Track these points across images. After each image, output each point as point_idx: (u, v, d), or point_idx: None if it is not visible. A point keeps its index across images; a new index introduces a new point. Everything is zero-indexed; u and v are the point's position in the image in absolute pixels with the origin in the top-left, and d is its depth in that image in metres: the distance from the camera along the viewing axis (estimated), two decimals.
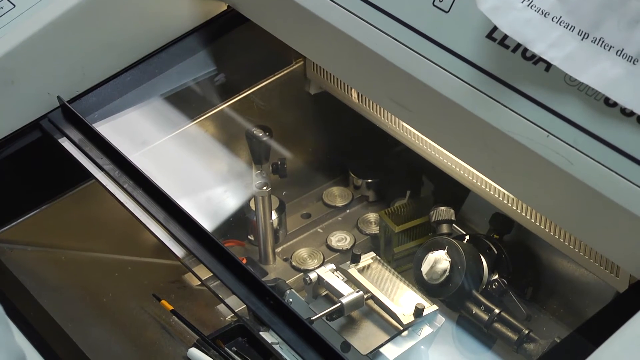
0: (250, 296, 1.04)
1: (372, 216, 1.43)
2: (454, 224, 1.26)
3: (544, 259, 1.25)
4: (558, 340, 1.08)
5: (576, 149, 0.95)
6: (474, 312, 1.17)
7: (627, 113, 0.93)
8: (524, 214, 1.15)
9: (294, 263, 1.37)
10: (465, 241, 1.23)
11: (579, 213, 0.98)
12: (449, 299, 1.19)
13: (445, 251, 1.19)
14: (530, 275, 1.25)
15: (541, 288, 1.26)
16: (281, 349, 1.02)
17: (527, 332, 1.13)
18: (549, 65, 0.98)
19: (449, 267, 1.18)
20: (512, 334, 1.14)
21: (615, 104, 0.93)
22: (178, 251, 1.10)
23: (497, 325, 1.16)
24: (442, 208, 1.26)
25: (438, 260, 1.18)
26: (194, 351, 1.17)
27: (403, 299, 1.16)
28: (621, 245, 0.96)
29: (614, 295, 1.07)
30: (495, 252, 1.22)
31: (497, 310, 1.16)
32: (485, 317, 1.16)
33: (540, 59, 0.98)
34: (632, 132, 0.92)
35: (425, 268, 1.19)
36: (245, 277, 1.06)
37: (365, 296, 1.15)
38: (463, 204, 1.35)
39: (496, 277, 1.20)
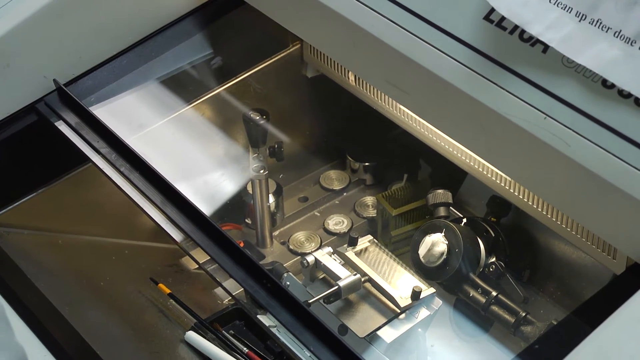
0: (248, 279, 1.04)
1: (369, 199, 1.43)
2: (451, 207, 1.26)
3: (541, 241, 1.25)
4: (555, 323, 1.09)
5: (573, 130, 0.95)
6: (471, 294, 1.17)
7: (624, 95, 0.92)
8: (521, 197, 1.15)
9: (291, 246, 1.37)
10: (462, 224, 1.23)
11: (576, 195, 0.98)
12: (446, 281, 1.19)
13: (443, 234, 1.19)
14: (527, 258, 1.25)
15: (538, 271, 1.26)
16: (278, 332, 1.02)
17: (524, 314, 1.14)
18: (546, 47, 0.97)
19: (446, 250, 1.18)
20: (509, 316, 1.14)
21: (612, 86, 0.93)
22: (175, 235, 1.10)
23: (494, 308, 1.16)
24: (440, 191, 1.26)
25: (435, 243, 1.18)
26: (191, 334, 1.17)
27: (400, 282, 1.16)
28: (618, 228, 0.96)
29: (611, 277, 1.07)
30: (493, 235, 1.22)
31: (494, 293, 1.16)
32: (483, 299, 1.16)
33: (538, 41, 0.97)
34: (630, 114, 0.92)
35: (422, 251, 1.19)
36: (242, 260, 1.06)
37: (362, 279, 1.15)
38: (460, 187, 1.35)
39: (493, 259, 1.20)
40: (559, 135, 0.95)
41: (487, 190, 1.22)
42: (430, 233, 1.20)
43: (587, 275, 1.19)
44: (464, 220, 1.24)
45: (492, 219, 1.25)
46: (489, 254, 1.20)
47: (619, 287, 0.97)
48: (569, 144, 0.95)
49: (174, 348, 1.20)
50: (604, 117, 0.93)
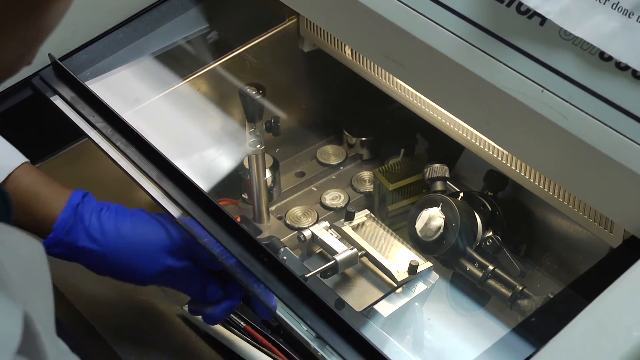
0: (245, 254, 1.04)
1: (366, 174, 1.43)
2: (448, 181, 1.26)
3: (538, 215, 1.25)
4: (552, 296, 1.09)
5: (571, 103, 0.94)
6: (468, 269, 1.17)
7: (622, 67, 0.92)
8: (518, 171, 1.15)
9: (288, 221, 1.37)
10: (459, 198, 1.23)
11: (573, 168, 0.98)
12: (443, 256, 1.19)
13: (440, 208, 1.18)
14: (524, 232, 1.25)
15: (535, 245, 1.26)
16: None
17: (520, 288, 1.14)
18: (543, 20, 0.97)
19: (443, 224, 1.18)
20: (506, 290, 1.14)
21: (610, 58, 0.93)
22: (172, 209, 1.09)
23: (491, 282, 1.16)
24: (437, 165, 1.25)
25: (432, 218, 1.18)
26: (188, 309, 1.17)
27: (397, 256, 1.16)
28: (616, 201, 0.96)
29: (608, 251, 1.07)
30: (490, 209, 1.22)
31: (491, 267, 1.16)
32: (479, 273, 1.16)
33: (535, 13, 0.97)
34: (627, 86, 0.91)
35: (419, 225, 1.19)
36: (239, 235, 1.05)
37: (359, 253, 1.14)
38: (457, 161, 1.34)
39: (490, 234, 1.20)
40: (557, 109, 0.95)
41: (485, 164, 1.22)
42: (427, 207, 1.19)
43: (584, 249, 1.19)
44: (461, 194, 1.24)
45: (489, 193, 1.24)
46: (485, 228, 1.20)
47: (616, 260, 0.97)
48: (566, 117, 0.94)
49: (170, 323, 1.20)
50: (602, 90, 0.93)
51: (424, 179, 1.27)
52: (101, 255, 1.04)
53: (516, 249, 1.23)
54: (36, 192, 1.04)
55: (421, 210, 1.20)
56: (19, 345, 0.53)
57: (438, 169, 1.25)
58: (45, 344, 0.55)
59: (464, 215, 1.18)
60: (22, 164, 1.07)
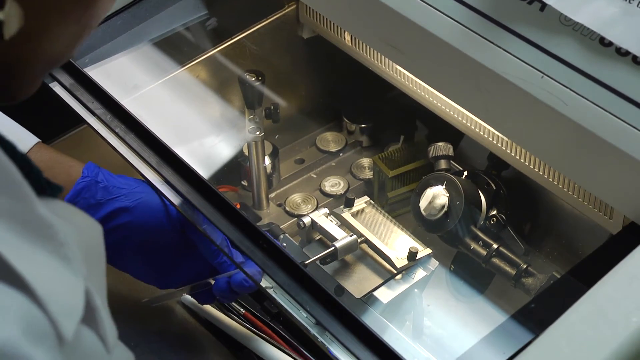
0: (244, 241, 1.04)
1: (365, 161, 1.43)
2: (452, 160, 1.25)
3: (542, 194, 1.24)
4: (557, 275, 1.09)
5: (571, 89, 0.94)
6: (472, 247, 1.17)
7: (622, 53, 0.92)
8: (518, 157, 1.15)
9: (287, 208, 1.37)
10: (463, 177, 1.22)
11: (573, 154, 0.98)
12: (447, 234, 1.18)
13: (444, 186, 1.18)
14: (528, 211, 1.24)
15: (539, 224, 1.25)
16: (275, 292, 1.01)
17: (525, 266, 1.13)
18: (543, 5, 0.97)
19: (447, 202, 1.17)
20: (510, 268, 1.14)
21: (610, 44, 0.92)
22: (172, 196, 1.09)
23: (496, 260, 1.15)
24: (441, 144, 1.24)
25: (436, 196, 1.17)
26: (188, 297, 1.18)
27: (397, 243, 1.16)
28: (615, 187, 0.96)
29: (608, 237, 1.07)
30: (494, 187, 1.21)
31: (495, 245, 1.15)
32: (484, 252, 1.16)
33: None
34: (628, 72, 0.91)
35: (423, 203, 1.18)
36: (239, 221, 1.05)
37: (359, 240, 1.14)
38: (456, 149, 1.34)
39: (494, 212, 1.19)
40: (557, 94, 0.95)
41: (484, 151, 1.22)
42: (431, 185, 1.19)
43: (584, 235, 1.19)
44: (465, 173, 1.23)
45: (493, 172, 1.23)
46: (490, 206, 1.19)
47: (616, 246, 0.97)
48: (566, 102, 0.94)
49: (171, 310, 1.20)
50: (602, 76, 0.92)
51: (428, 158, 1.25)
52: (129, 194, 1.09)
53: (520, 228, 1.23)
54: (58, 159, 1.09)
55: (425, 188, 1.19)
56: (82, 316, 0.57)
57: (442, 147, 1.24)
58: (103, 317, 0.60)
59: (468, 193, 1.17)
60: (36, 143, 1.10)
